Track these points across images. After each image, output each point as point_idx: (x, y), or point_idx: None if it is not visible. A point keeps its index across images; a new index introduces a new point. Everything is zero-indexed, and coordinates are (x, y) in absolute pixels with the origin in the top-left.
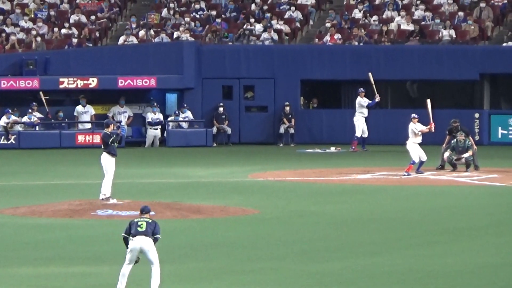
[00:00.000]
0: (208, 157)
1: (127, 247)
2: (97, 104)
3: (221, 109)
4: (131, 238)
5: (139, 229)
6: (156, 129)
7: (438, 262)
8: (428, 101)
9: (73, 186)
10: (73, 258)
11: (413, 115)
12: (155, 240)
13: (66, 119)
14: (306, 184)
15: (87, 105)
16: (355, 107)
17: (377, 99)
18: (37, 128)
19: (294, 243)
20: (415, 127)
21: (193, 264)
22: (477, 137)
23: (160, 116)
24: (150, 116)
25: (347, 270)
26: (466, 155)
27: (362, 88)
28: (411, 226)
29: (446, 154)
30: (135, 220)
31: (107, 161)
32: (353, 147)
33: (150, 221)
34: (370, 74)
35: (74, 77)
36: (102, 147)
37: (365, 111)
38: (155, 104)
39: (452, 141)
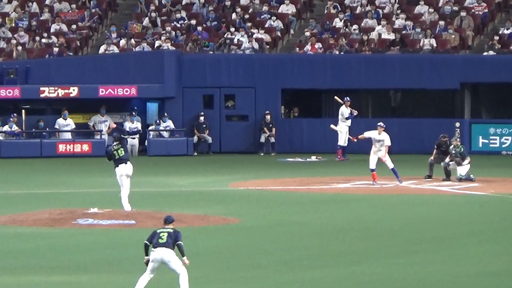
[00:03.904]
0: (189, 166)
1: (146, 255)
2: (78, 113)
3: (201, 118)
4: (152, 249)
5: (160, 240)
6: (134, 138)
7: (419, 271)
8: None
9: (54, 195)
10: (54, 267)
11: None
12: (180, 248)
13: (47, 128)
14: (286, 193)
15: (68, 118)
16: (338, 116)
17: (355, 113)
18: (18, 137)
19: (275, 252)
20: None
21: (173, 273)
22: None
23: (138, 125)
24: (128, 126)
25: (327, 279)
26: (462, 170)
27: (347, 98)
28: (392, 235)
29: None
30: (158, 230)
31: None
32: (338, 156)
33: (172, 231)
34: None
35: (55, 86)
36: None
37: (348, 120)
38: (133, 113)
39: (450, 147)
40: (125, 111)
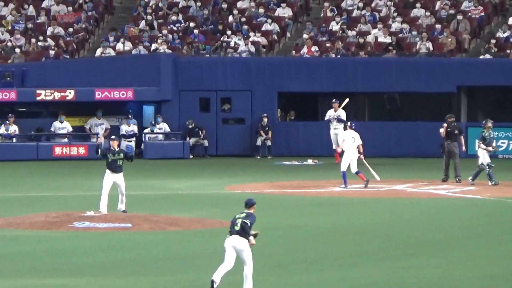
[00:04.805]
0: (185, 169)
1: None
2: (74, 116)
3: (190, 126)
4: (227, 235)
5: (235, 227)
6: (130, 141)
7: (416, 275)
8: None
9: (50, 198)
10: (50, 270)
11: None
12: (244, 229)
13: (45, 131)
14: (283, 197)
15: (65, 121)
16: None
17: (334, 116)
18: (14, 140)
19: (271, 255)
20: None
21: (170, 276)
22: (464, 149)
23: (134, 128)
24: (124, 129)
25: (324, 282)
26: (488, 158)
27: (335, 99)
28: (388, 239)
29: (484, 160)
30: (236, 216)
31: (104, 176)
32: (337, 160)
33: (245, 215)
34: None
35: (51, 89)
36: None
37: (335, 124)
38: (129, 116)
39: (483, 132)
40: (122, 114)
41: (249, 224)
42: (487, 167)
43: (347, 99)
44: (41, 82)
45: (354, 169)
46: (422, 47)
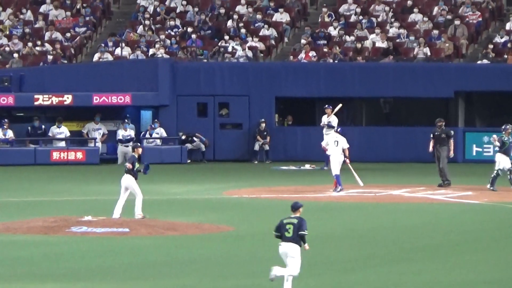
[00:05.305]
0: (182, 174)
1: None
2: (72, 121)
3: (183, 137)
4: (280, 243)
5: (286, 234)
6: (127, 146)
7: (413, 280)
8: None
9: (47, 203)
10: (47, 275)
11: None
12: (302, 238)
13: (46, 131)
14: (280, 201)
15: (62, 126)
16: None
17: (325, 122)
18: (12, 144)
19: (268, 260)
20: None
21: (167, 281)
22: (451, 155)
23: (131, 133)
24: (121, 133)
25: (321, 287)
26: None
27: (327, 105)
28: (386, 243)
29: (505, 165)
30: (284, 221)
31: (132, 182)
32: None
33: (296, 222)
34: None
35: (49, 94)
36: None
37: (325, 129)
38: (126, 120)
39: (503, 137)
40: (119, 119)
41: (307, 233)
42: (508, 172)
43: (340, 105)
44: (39, 87)
45: (335, 171)
46: (419, 52)
